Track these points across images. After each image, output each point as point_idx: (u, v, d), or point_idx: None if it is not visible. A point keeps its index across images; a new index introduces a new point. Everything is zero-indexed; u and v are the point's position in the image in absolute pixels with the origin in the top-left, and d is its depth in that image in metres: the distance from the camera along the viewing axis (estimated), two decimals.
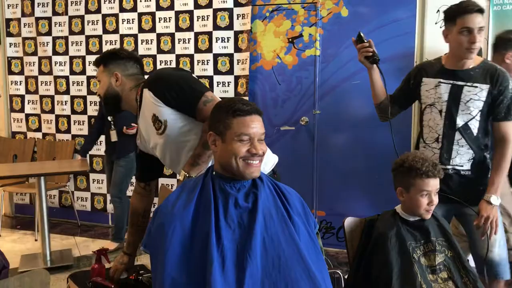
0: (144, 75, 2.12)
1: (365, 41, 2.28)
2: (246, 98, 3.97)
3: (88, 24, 4.56)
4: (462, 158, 2.22)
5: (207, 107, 1.76)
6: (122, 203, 3.97)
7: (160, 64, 4.36)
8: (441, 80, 2.26)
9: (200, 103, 1.80)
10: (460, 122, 2.21)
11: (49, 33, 4.70)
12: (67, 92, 4.72)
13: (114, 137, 3.92)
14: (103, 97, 2.05)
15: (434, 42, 3.55)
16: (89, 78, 4.63)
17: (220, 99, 1.78)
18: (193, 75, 2.02)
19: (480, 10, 2.14)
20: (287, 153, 3.97)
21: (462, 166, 2.22)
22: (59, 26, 4.66)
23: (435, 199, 1.86)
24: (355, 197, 3.89)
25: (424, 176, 1.85)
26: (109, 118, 3.90)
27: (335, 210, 3.95)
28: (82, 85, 4.66)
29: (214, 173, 1.58)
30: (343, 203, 3.93)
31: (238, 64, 4.08)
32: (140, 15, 4.39)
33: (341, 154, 3.90)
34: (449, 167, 2.23)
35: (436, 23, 3.55)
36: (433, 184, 1.85)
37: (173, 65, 4.32)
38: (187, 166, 1.85)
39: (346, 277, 2.13)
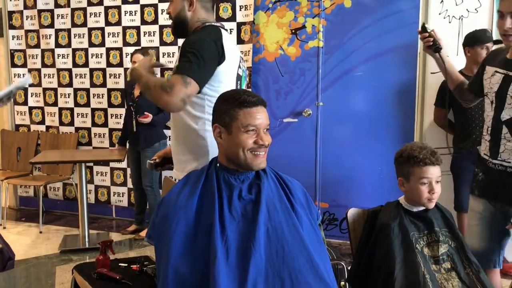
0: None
1: (428, 31, 2.27)
2: (249, 90, 3.96)
3: (90, 16, 4.55)
4: (510, 153, 2.03)
5: (179, 81, 1.69)
6: (154, 191, 4.09)
7: (163, 56, 4.35)
8: (498, 70, 2.10)
9: (181, 75, 1.72)
10: (505, 115, 2.04)
11: (51, 25, 4.70)
12: (70, 84, 4.72)
13: (134, 127, 4.04)
14: (173, 18, 1.99)
15: (437, 32, 3.51)
16: (92, 70, 4.64)
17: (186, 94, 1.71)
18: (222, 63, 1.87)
19: None
20: (290, 145, 3.98)
21: (509, 162, 2.03)
22: (62, 18, 4.65)
23: (437, 188, 1.85)
24: (358, 189, 3.90)
25: (421, 164, 1.84)
26: (132, 108, 3.98)
27: (338, 201, 3.95)
28: (85, 77, 4.66)
29: (218, 165, 1.59)
30: (346, 195, 3.94)
31: (242, 60, 4.06)
32: (143, 7, 4.38)
33: (344, 146, 3.89)
34: (496, 162, 2.08)
35: (439, 14, 3.53)
36: (433, 171, 1.85)
37: (175, 57, 4.30)
38: (143, 76, 1.81)
39: (349, 268, 2.14)
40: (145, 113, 3.89)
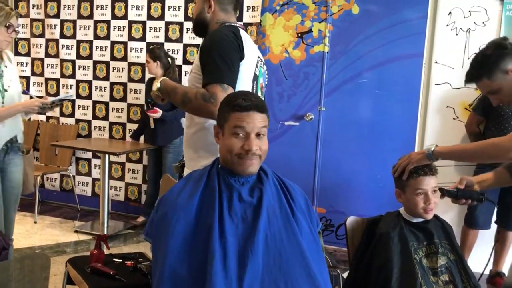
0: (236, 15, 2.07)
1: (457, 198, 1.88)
2: (253, 92, 3.94)
3: (97, 9, 4.54)
4: None
5: (218, 88, 1.76)
6: None
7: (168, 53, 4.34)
8: None
9: (219, 84, 1.78)
10: None
11: (57, 15, 4.68)
12: (72, 76, 4.71)
13: (152, 123, 4.08)
14: (194, 19, 2.03)
15: (444, 44, 3.53)
16: (95, 63, 4.62)
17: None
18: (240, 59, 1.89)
19: None
20: (291, 148, 3.97)
21: None
22: (68, 9, 4.64)
23: (433, 198, 1.84)
24: (356, 196, 3.89)
25: (416, 175, 1.84)
26: (149, 105, 3.95)
27: (336, 207, 3.94)
28: (88, 69, 4.65)
29: (219, 165, 1.58)
30: (343, 201, 3.93)
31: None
32: (150, 2, 4.36)
33: (344, 152, 3.88)
34: None
35: (447, 25, 3.52)
36: (428, 182, 1.84)
37: (181, 54, 4.30)
38: (167, 84, 1.89)
39: (344, 275, 2.13)
40: (154, 107, 3.88)
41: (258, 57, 2.04)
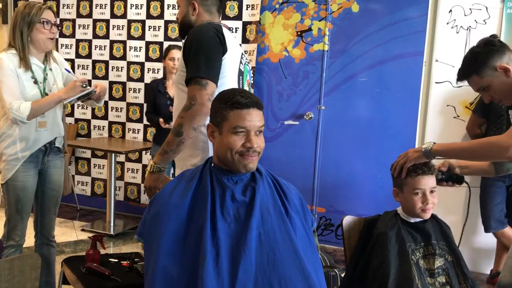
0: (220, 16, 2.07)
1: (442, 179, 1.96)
2: (252, 90, 3.93)
3: (96, 8, 4.52)
4: None
5: (196, 88, 1.75)
6: None
7: None
8: None
9: (193, 80, 1.77)
10: None
11: (56, 15, 4.65)
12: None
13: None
14: (179, 23, 2.02)
15: (444, 42, 3.50)
16: (94, 62, 4.60)
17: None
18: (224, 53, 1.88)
19: None
20: (290, 147, 3.94)
21: None
22: (67, 8, 4.62)
23: (431, 198, 1.83)
24: (355, 196, 3.86)
25: (413, 174, 1.82)
26: (170, 109, 3.74)
27: (335, 207, 3.92)
28: (87, 69, 4.63)
29: (212, 164, 1.56)
30: (343, 200, 3.90)
31: (245, 55, 4.03)
32: (149, 0, 4.34)
33: (344, 152, 3.86)
34: None
35: (447, 23, 3.49)
36: (426, 182, 1.82)
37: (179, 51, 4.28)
38: (156, 156, 1.81)
39: (343, 275, 2.11)
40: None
41: (242, 54, 2.04)
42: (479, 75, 1.78)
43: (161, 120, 3.71)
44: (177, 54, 3.72)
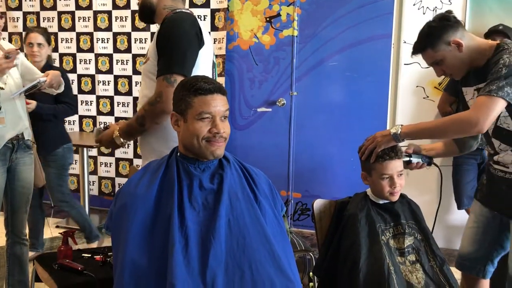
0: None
1: (411, 161, 1.98)
2: (223, 78, 3.90)
3: (60, 0, 4.40)
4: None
5: (164, 84, 1.74)
6: (71, 204, 3.57)
7: (135, 42, 4.24)
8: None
9: (162, 76, 1.75)
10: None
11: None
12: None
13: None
14: (140, 5, 1.96)
15: (412, 24, 3.52)
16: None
17: None
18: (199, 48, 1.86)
19: None
20: (264, 134, 3.93)
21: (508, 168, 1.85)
22: (30, 1, 4.48)
23: (399, 181, 1.85)
24: (330, 179, 3.89)
25: (381, 160, 1.84)
26: None
27: (311, 192, 3.94)
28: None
29: (178, 154, 1.54)
30: (318, 185, 3.93)
31: (214, 43, 3.99)
32: None
33: (318, 136, 3.87)
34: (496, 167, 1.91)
35: (414, 5, 3.51)
36: (393, 167, 1.84)
37: (147, 43, 4.21)
38: (122, 130, 1.86)
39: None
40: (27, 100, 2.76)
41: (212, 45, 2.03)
42: (434, 49, 1.81)
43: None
44: (37, 38, 3.16)
